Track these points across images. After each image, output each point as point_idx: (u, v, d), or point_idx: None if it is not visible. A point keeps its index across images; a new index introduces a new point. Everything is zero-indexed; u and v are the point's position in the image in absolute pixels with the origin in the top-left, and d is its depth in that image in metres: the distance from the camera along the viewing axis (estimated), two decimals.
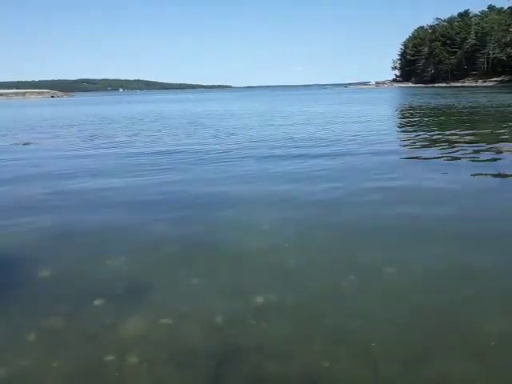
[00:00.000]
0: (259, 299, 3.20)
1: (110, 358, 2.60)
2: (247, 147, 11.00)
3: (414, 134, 12.73)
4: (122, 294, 3.37)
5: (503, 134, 11.97)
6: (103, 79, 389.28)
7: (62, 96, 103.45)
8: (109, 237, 4.68)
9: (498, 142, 10.41)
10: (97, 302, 3.24)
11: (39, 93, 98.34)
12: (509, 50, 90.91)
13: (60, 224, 5.19)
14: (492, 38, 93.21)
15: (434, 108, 24.11)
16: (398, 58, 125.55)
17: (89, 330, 2.90)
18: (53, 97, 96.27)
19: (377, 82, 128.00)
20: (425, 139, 11.46)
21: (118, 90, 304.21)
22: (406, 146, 10.85)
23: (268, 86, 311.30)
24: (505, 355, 2.53)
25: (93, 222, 5.19)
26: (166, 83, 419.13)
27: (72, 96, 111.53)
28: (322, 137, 12.44)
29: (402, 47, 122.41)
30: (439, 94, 44.42)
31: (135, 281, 3.60)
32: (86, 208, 5.85)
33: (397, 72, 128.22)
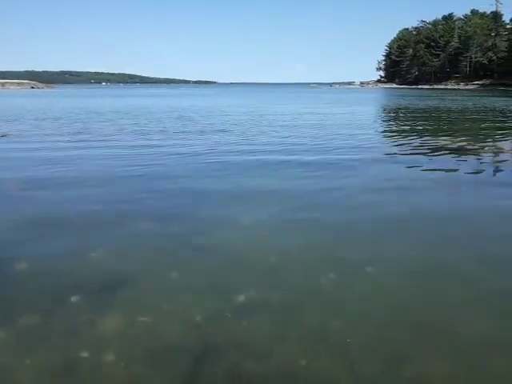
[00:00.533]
0: (240, 297, 3.18)
1: (87, 355, 2.54)
2: (236, 145, 10.99)
3: (409, 139, 12.68)
4: (101, 290, 3.30)
5: (496, 139, 12.22)
6: (86, 72, 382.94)
7: (43, 87, 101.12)
8: (89, 232, 4.58)
9: (491, 147, 10.59)
10: (75, 298, 3.16)
11: (19, 83, 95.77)
12: (490, 54, 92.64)
13: (39, 218, 5.05)
14: (475, 41, 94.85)
15: (423, 110, 24.35)
16: (383, 58, 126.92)
17: (66, 326, 2.83)
18: (33, 88, 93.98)
19: (361, 82, 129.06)
20: (419, 145, 11.42)
21: (100, 83, 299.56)
22: (398, 151, 10.92)
23: (253, 83, 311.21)
24: (481, 354, 2.56)
25: (73, 217, 5.06)
26: (150, 77, 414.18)
27: (53, 88, 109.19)
28: (314, 142, 12.01)
29: (387, 48, 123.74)
30: (424, 96, 45.12)
31: (115, 277, 3.53)
32: (65, 202, 5.72)
33: (381, 73, 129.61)
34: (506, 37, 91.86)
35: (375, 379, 2.38)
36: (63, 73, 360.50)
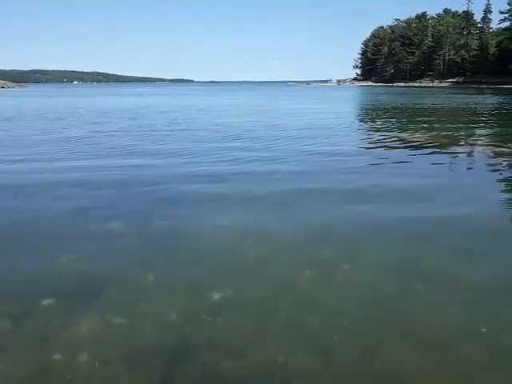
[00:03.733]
0: (216, 296, 3.16)
1: (60, 358, 2.50)
2: (221, 139, 10.78)
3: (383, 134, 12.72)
4: (74, 294, 3.23)
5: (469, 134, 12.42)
6: (58, 70, 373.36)
7: (14, 87, 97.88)
8: (61, 233, 4.44)
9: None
10: (47, 302, 3.09)
11: None
12: (463, 52, 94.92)
13: (8, 219, 4.88)
14: (448, 40, 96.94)
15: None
16: (359, 56, 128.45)
17: (38, 330, 2.77)
18: (3, 87, 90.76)
19: (338, 80, 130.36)
20: (393, 141, 11.50)
21: (72, 82, 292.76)
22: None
23: (230, 82, 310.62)
24: (454, 346, 2.63)
25: (44, 218, 4.91)
26: (125, 76, 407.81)
27: (25, 87, 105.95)
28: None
29: (363, 46, 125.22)
30: (405, 93, 45.66)
31: (88, 280, 3.46)
32: (36, 203, 5.52)
33: (358, 71, 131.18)
34: (478, 35, 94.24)
35: (352, 373, 2.40)
36: (34, 71, 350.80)
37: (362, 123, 17.08)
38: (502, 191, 6.38)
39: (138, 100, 37.39)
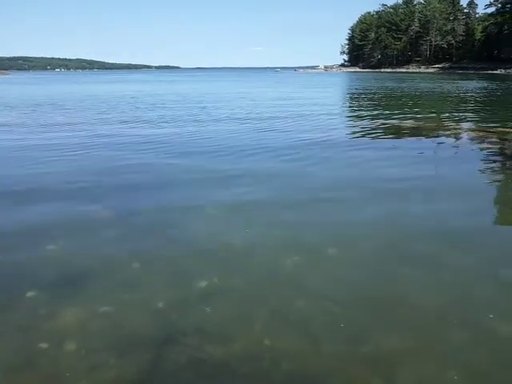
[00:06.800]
0: (203, 283, 3.16)
1: (46, 347, 2.48)
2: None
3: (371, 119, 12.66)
4: (60, 283, 3.20)
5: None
6: (41, 57, 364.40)
7: None
8: (45, 222, 4.38)
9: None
10: (31, 292, 3.06)
11: None
12: (449, 38, 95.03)
13: None
14: (434, 25, 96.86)
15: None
16: (347, 42, 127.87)
17: (23, 320, 2.75)
18: None
19: (325, 66, 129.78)
20: (379, 125, 11.60)
21: (55, 69, 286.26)
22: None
23: (217, 68, 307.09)
24: (441, 328, 2.65)
25: (28, 207, 4.83)
26: (111, 63, 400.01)
27: (7, 75, 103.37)
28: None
29: (350, 32, 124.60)
30: (391, 79, 45.69)
31: (74, 269, 3.42)
32: (19, 191, 5.45)
33: (345, 57, 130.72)
34: (464, 21, 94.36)
35: (339, 356, 2.42)
36: (16, 58, 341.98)
37: (350, 109, 17.17)
38: (485, 176, 6.39)
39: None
